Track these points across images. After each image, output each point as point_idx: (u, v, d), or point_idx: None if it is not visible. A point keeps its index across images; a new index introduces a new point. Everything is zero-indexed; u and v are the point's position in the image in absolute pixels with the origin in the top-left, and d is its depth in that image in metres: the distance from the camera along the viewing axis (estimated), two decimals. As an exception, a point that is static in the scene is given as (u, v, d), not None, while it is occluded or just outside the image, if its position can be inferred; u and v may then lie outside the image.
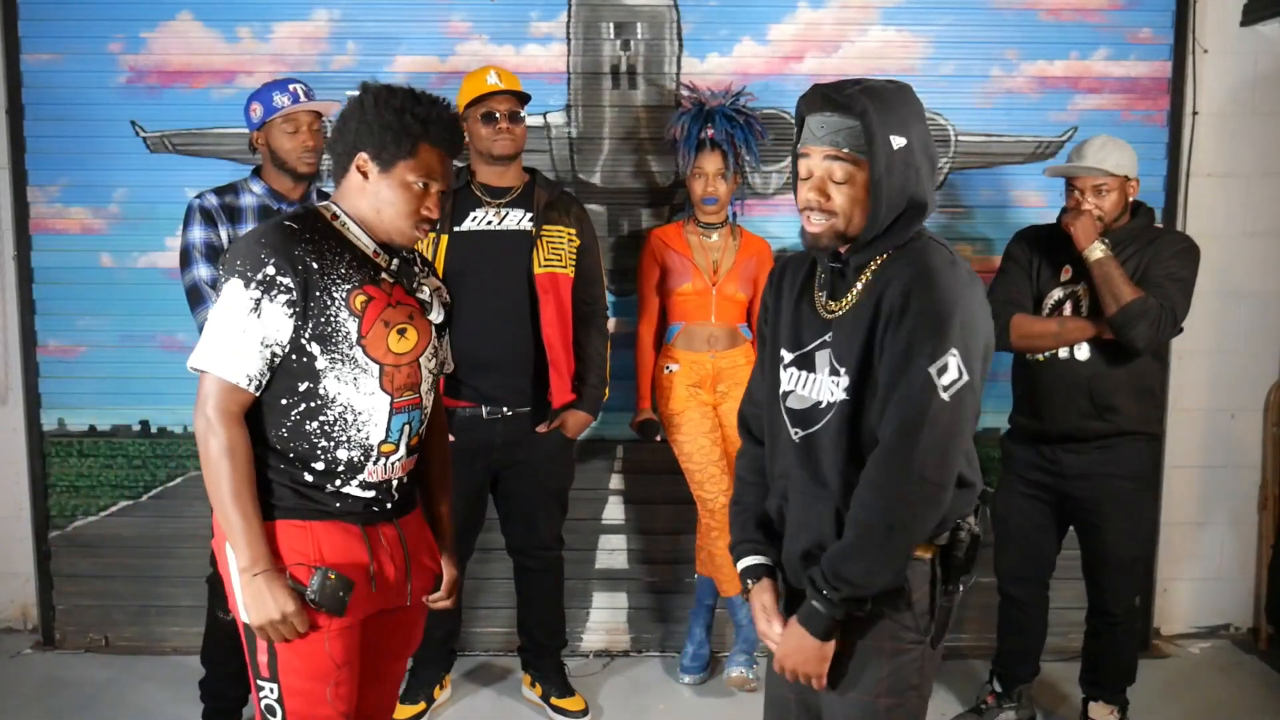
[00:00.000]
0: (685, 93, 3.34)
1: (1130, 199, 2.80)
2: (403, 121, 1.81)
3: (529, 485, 3.03)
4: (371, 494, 1.89)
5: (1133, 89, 3.48)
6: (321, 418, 1.82)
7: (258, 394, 1.79)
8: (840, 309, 1.70)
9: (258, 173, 2.85)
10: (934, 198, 1.72)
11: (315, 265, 1.78)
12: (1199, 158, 3.49)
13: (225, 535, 1.78)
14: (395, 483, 1.93)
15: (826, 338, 1.71)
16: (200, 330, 2.70)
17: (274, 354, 1.78)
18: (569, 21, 3.45)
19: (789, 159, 3.43)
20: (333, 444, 1.83)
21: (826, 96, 1.65)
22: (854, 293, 1.69)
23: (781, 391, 1.75)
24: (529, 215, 2.96)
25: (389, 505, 1.93)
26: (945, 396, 1.56)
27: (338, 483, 1.85)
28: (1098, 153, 2.74)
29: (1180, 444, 3.59)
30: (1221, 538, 3.69)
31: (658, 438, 3.21)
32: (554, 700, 3.16)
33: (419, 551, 2.00)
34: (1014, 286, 2.86)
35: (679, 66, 3.47)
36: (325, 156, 3.36)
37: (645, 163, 3.51)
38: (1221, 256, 3.44)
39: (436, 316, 1.98)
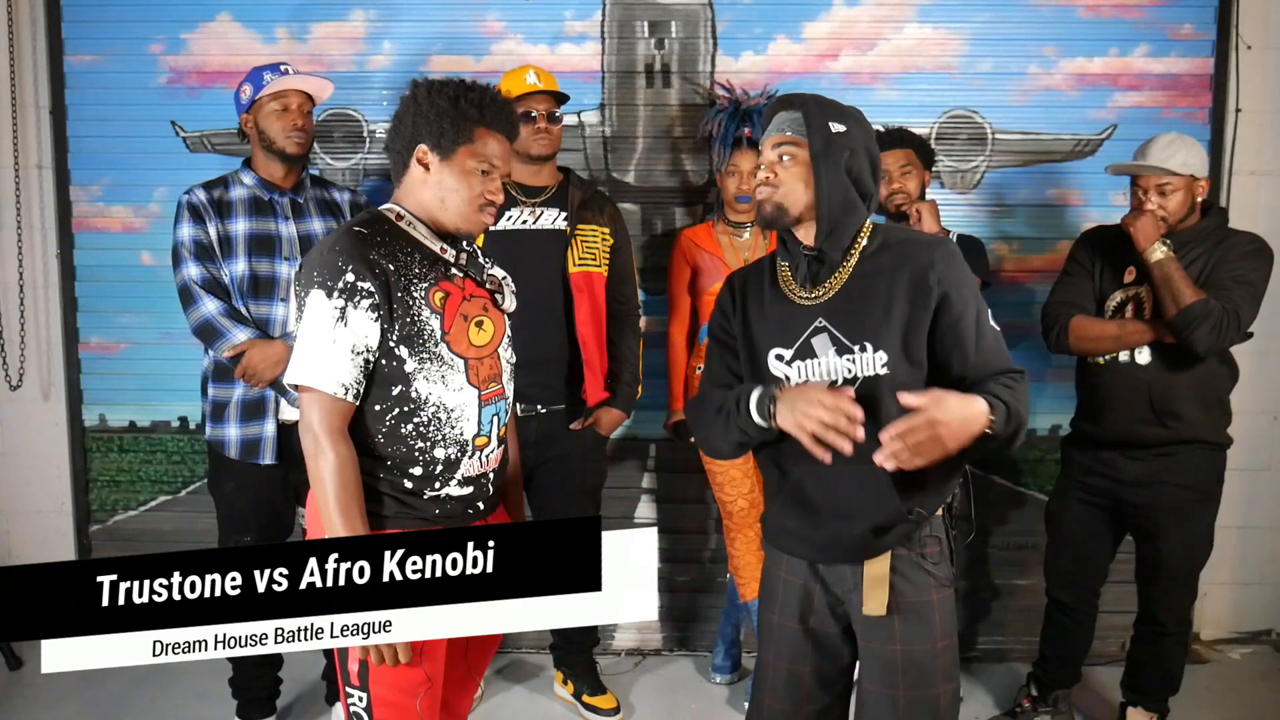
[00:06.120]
0: (721, 91, 3.34)
1: (1199, 199, 2.72)
2: (458, 108, 1.84)
3: (562, 482, 3.03)
4: (470, 490, 1.92)
5: (1174, 86, 3.43)
6: (416, 419, 1.84)
7: (357, 403, 1.81)
8: (825, 294, 1.88)
9: (248, 164, 2.85)
10: (877, 194, 1.96)
11: (391, 267, 1.80)
12: (1241, 156, 3.43)
13: None
14: (491, 475, 1.96)
15: (818, 323, 1.87)
16: (194, 333, 2.74)
17: (366, 360, 1.80)
18: (603, 20, 3.46)
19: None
20: (429, 444, 1.86)
21: (781, 98, 1.94)
22: (841, 276, 1.88)
23: (794, 385, 1.86)
24: (563, 214, 2.96)
25: (482, 505, 1.95)
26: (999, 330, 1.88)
27: (437, 484, 1.88)
28: (1162, 151, 2.66)
29: (1221, 446, 3.54)
30: (1263, 542, 3.63)
31: (690, 439, 3.21)
32: (586, 698, 3.17)
33: None
34: (1074, 288, 2.81)
35: (713, 65, 3.46)
36: (321, 152, 3.47)
37: (679, 161, 3.51)
38: (1265, 256, 3.39)
39: (510, 305, 2.01)
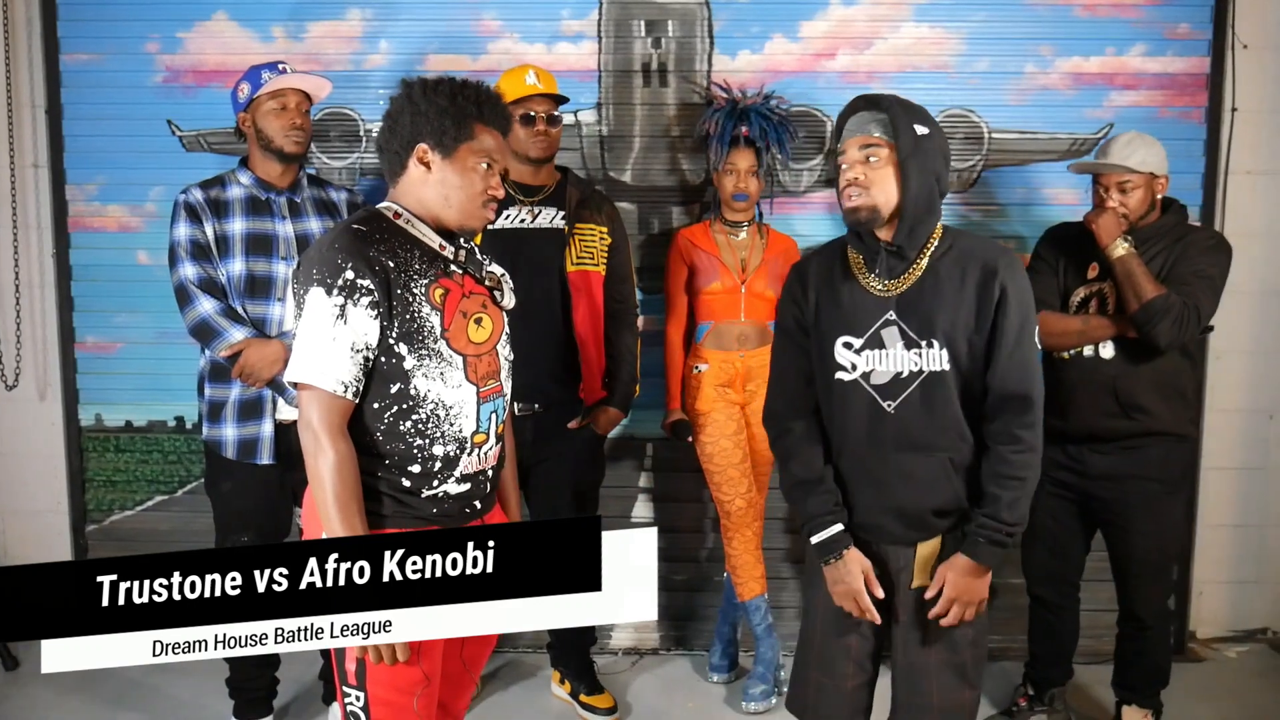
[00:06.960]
0: (718, 90, 3.34)
1: (1159, 196, 2.76)
2: (457, 105, 1.84)
3: (559, 481, 3.03)
4: (467, 488, 1.91)
5: (1170, 85, 3.44)
6: (415, 417, 1.84)
7: (356, 400, 1.81)
8: (900, 286, 1.98)
9: (245, 163, 2.84)
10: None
11: (391, 264, 1.80)
12: (1237, 155, 3.44)
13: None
14: (489, 472, 1.97)
15: (889, 315, 1.98)
16: (190, 333, 2.73)
17: (366, 358, 1.80)
18: (600, 19, 3.46)
19: (820, 157, 3.45)
20: (428, 441, 1.85)
21: (861, 99, 2.02)
22: (914, 273, 1.98)
23: (861, 373, 1.99)
24: (561, 213, 2.96)
25: (479, 503, 1.95)
26: (1040, 353, 1.99)
27: (435, 483, 1.87)
28: (1123, 149, 2.71)
29: (1217, 445, 3.54)
30: (1259, 540, 3.64)
31: (689, 438, 3.21)
32: (583, 697, 3.17)
33: None
34: (1040, 285, 2.82)
35: (710, 64, 3.46)
36: (318, 151, 3.45)
37: (676, 161, 3.51)
38: (1260, 255, 3.40)
39: (509, 302, 2.01)
